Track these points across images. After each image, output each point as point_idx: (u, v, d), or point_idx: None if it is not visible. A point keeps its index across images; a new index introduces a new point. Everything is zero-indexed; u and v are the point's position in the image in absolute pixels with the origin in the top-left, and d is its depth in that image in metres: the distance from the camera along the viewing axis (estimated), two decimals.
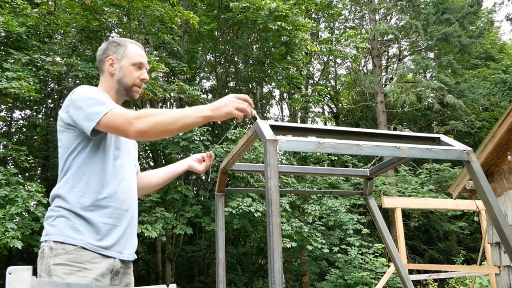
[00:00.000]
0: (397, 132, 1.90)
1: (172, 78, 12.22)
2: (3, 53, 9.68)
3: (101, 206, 1.82)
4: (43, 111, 13.00)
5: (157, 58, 10.13)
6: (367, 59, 20.53)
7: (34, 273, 1.24)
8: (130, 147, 2.06)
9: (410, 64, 17.77)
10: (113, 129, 1.76)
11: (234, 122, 15.76)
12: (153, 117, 1.70)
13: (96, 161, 1.83)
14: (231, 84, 15.96)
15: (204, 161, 2.30)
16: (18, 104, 11.76)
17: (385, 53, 20.14)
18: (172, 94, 10.46)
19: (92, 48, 12.41)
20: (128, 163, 1.99)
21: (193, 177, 13.47)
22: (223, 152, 10.56)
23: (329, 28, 19.49)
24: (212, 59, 15.14)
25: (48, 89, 12.07)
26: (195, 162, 2.29)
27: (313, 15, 17.86)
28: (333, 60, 19.23)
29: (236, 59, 14.27)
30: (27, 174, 10.91)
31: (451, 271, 8.32)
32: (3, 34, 9.74)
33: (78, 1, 10.25)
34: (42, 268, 1.72)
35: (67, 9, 11.45)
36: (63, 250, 1.72)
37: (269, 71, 14.09)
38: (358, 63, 20.82)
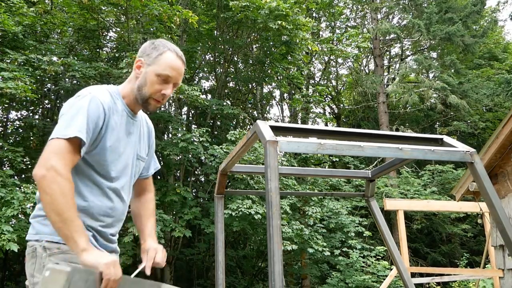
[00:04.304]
0: (399, 133, 1.94)
1: None
2: None
3: (88, 212, 1.76)
4: (39, 111, 12.93)
5: None
6: (368, 59, 20.46)
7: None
8: (135, 162, 1.93)
9: (413, 64, 17.66)
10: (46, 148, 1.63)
11: (234, 123, 15.66)
12: (58, 190, 1.53)
13: (85, 171, 1.75)
14: (231, 84, 15.86)
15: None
16: (14, 104, 11.71)
17: (387, 52, 20.04)
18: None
19: (89, 47, 12.33)
20: (125, 178, 1.87)
21: (192, 178, 13.36)
22: (223, 153, 10.47)
23: (330, 28, 19.43)
24: (212, 58, 15.03)
25: (45, 89, 12.00)
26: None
27: (314, 14, 17.80)
28: (334, 60, 19.17)
29: (235, 58, 14.17)
30: (23, 176, 10.84)
31: (454, 274, 8.34)
32: None
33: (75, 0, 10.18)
34: (36, 268, 1.67)
35: (64, 8, 11.41)
36: (58, 250, 1.67)
37: (269, 71, 14.01)
38: (359, 63, 20.74)
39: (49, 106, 12.88)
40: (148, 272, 1.82)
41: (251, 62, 14.60)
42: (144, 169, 2.06)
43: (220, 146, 10.79)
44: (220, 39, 13.39)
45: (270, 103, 19.12)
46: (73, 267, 1.33)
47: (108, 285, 1.46)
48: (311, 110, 16.81)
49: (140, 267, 1.79)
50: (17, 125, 12.86)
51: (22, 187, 8.30)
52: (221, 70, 14.31)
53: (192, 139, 10.79)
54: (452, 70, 16.60)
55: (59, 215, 1.51)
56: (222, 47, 13.57)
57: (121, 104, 1.84)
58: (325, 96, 18.46)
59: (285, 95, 18.22)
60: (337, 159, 14.19)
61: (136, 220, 2.07)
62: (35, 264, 1.67)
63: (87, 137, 1.65)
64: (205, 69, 15.81)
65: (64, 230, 1.51)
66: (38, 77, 9.90)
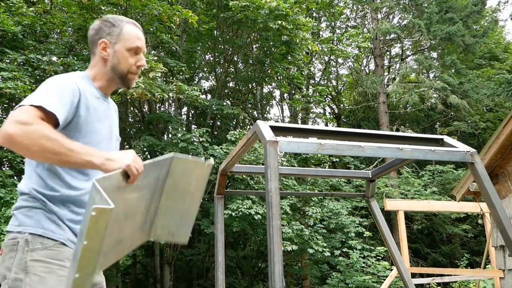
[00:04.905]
0: (400, 133, 1.94)
1: (171, 78, 12.11)
2: None
3: (73, 202, 1.69)
4: None
5: (155, 58, 9.99)
6: (369, 59, 20.43)
7: None
8: (113, 142, 1.88)
9: (413, 64, 17.64)
10: None
11: (234, 123, 15.64)
12: (38, 135, 1.44)
13: None
14: (231, 84, 15.84)
15: None
16: (13, 104, 11.64)
17: (388, 52, 20.00)
18: (170, 94, 10.33)
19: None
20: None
21: None
22: (223, 154, 10.44)
23: (330, 27, 19.41)
24: (211, 58, 15.02)
25: None
26: None
27: (314, 14, 17.77)
28: (335, 60, 19.13)
29: (235, 58, 14.15)
30: (22, 176, 10.79)
31: (454, 275, 8.32)
32: None
33: None
34: (15, 263, 1.57)
35: (63, 8, 11.37)
36: (41, 244, 1.60)
37: (269, 71, 13.98)
38: (360, 63, 20.71)
39: None
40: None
41: (251, 62, 14.58)
42: None
43: (220, 146, 10.77)
44: (220, 39, 13.37)
45: (270, 103, 19.10)
46: (107, 188, 1.35)
47: (134, 179, 1.49)
48: (311, 110, 16.79)
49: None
50: None
51: None
52: (221, 70, 14.29)
53: (192, 139, 10.78)
54: (453, 70, 16.57)
55: (58, 154, 1.46)
56: (222, 47, 13.55)
57: (93, 88, 1.81)
58: (325, 96, 18.43)
59: (285, 95, 18.19)
60: (337, 160, 14.16)
61: None
62: (14, 258, 1.58)
63: (58, 109, 1.56)
64: (205, 69, 15.80)
65: (73, 161, 1.48)
66: (38, 77, 9.87)
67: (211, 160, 1.83)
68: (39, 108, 1.51)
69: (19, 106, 1.52)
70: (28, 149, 1.45)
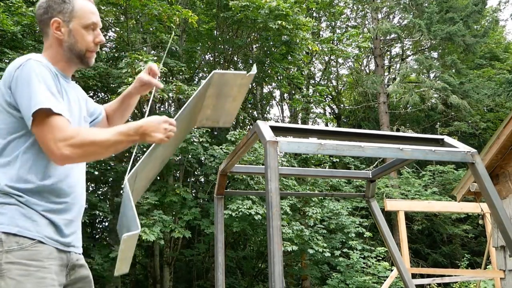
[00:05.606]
0: (400, 134, 1.95)
1: (170, 78, 12.08)
2: None
3: (49, 191, 1.61)
4: None
5: (155, 58, 9.98)
6: (369, 59, 20.41)
7: None
8: (82, 122, 1.80)
9: (413, 64, 17.61)
10: (39, 138, 1.53)
11: (233, 122, 15.61)
12: (88, 142, 1.54)
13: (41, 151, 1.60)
14: None
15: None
16: None
17: (388, 52, 19.99)
18: (170, 94, 10.31)
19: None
20: None
21: (192, 179, 13.32)
22: (223, 154, 10.43)
23: (330, 27, 19.38)
24: (211, 58, 15.00)
25: None
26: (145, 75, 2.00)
27: (314, 14, 17.74)
28: (335, 60, 19.11)
29: (235, 58, 14.14)
30: None
31: (455, 275, 8.31)
32: None
33: None
34: None
35: None
36: (17, 244, 1.49)
37: (269, 71, 13.96)
38: (360, 63, 20.69)
39: None
40: (160, 85, 1.98)
41: (251, 62, 14.55)
42: (96, 115, 1.98)
43: (220, 147, 10.75)
44: (220, 39, 13.35)
45: (270, 103, 19.07)
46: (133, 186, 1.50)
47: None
48: (311, 110, 16.76)
49: (153, 91, 1.97)
50: None
51: None
52: (221, 70, 14.24)
53: (192, 140, 10.75)
54: (453, 70, 16.56)
55: (108, 149, 1.59)
56: (222, 47, 13.53)
57: (56, 70, 1.71)
58: (325, 96, 18.41)
59: (285, 95, 18.16)
60: (338, 160, 14.13)
61: (115, 109, 2.05)
62: None
63: (64, 109, 1.56)
64: (205, 69, 15.76)
65: (121, 149, 1.63)
66: None
67: (254, 70, 1.84)
68: (58, 114, 1.54)
69: (38, 116, 1.51)
70: (86, 158, 1.63)
